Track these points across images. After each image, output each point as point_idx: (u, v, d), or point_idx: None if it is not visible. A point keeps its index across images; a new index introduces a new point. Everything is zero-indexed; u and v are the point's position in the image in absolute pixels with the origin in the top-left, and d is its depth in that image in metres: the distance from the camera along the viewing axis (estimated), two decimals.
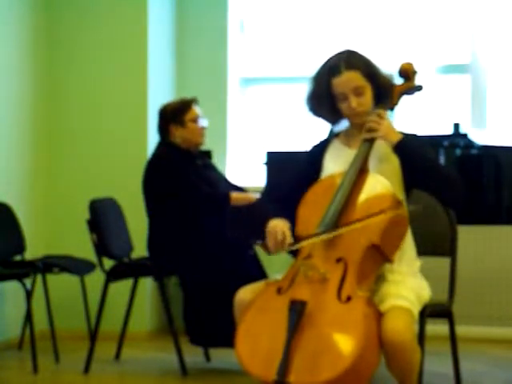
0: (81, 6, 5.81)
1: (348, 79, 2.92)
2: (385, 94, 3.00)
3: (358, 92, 2.94)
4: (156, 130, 4.76)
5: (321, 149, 3.10)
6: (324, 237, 2.76)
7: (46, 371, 4.62)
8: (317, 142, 3.15)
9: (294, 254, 2.90)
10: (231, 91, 6.03)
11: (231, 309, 2.92)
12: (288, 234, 2.86)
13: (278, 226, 2.87)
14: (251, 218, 3.69)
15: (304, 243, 2.81)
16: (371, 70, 2.97)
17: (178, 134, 4.64)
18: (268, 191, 3.20)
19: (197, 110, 4.68)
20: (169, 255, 4.56)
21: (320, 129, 3.16)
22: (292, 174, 3.15)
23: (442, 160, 4.44)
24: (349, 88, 2.93)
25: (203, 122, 4.68)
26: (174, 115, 4.64)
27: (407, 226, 2.88)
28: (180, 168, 4.54)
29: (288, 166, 3.56)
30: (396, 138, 2.89)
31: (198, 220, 4.51)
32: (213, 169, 4.82)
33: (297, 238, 2.85)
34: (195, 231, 4.51)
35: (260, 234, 3.65)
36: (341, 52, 3.00)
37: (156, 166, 4.61)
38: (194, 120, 4.64)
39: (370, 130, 2.91)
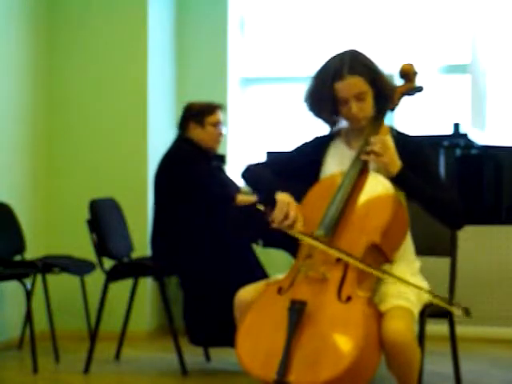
0: (81, 6, 5.81)
1: (351, 84, 2.89)
2: (385, 97, 2.98)
3: (359, 98, 2.90)
4: (177, 124, 4.77)
5: (324, 143, 3.08)
6: (323, 247, 2.75)
7: (45, 371, 4.62)
8: (321, 134, 3.13)
9: (294, 254, 2.90)
10: (231, 91, 6.03)
11: (231, 309, 2.91)
12: (301, 219, 2.84)
13: (292, 205, 2.85)
14: (252, 217, 3.69)
15: (307, 239, 2.79)
16: (374, 74, 2.93)
17: (195, 134, 4.67)
18: (265, 163, 3.16)
19: (220, 116, 4.71)
20: (171, 253, 4.56)
21: (320, 129, 3.15)
22: (292, 156, 3.12)
23: (441, 160, 4.45)
24: (351, 93, 2.89)
25: (223, 130, 4.71)
26: (197, 114, 4.68)
27: (407, 226, 2.88)
28: (196, 164, 4.56)
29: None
30: (395, 170, 2.84)
31: (203, 219, 4.51)
32: (224, 173, 4.84)
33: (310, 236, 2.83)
34: (197, 230, 4.51)
35: (260, 231, 3.64)
36: (344, 53, 2.95)
37: (173, 159, 4.62)
38: (215, 124, 4.67)
39: (373, 153, 2.87)
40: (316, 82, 2.98)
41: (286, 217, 2.83)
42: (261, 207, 2.86)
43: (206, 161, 4.65)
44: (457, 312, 2.65)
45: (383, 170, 2.87)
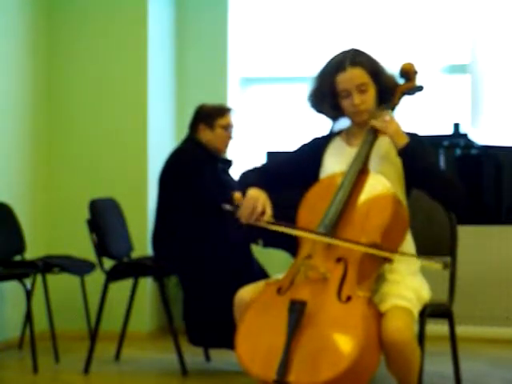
0: (81, 6, 5.81)
1: (352, 76, 2.92)
2: (388, 93, 2.99)
3: (361, 89, 2.93)
4: (188, 125, 4.77)
5: (323, 143, 3.09)
6: (319, 238, 2.75)
7: (46, 371, 4.62)
8: (319, 135, 3.14)
9: (294, 254, 2.90)
10: (231, 91, 6.03)
11: (231, 309, 2.91)
12: (269, 210, 2.86)
13: (260, 199, 2.87)
14: None
15: (281, 228, 2.80)
16: (376, 68, 2.96)
17: (205, 135, 4.67)
18: (263, 166, 3.18)
19: (230, 119, 4.70)
20: (171, 253, 4.56)
21: (320, 129, 3.16)
22: (291, 158, 3.13)
23: (441, 160, 4.45)
24: (353, 85, 2.92)
25: (232, 133, 4.71)
26: (207, 116, 4.67)
27: (407, 226, 2.88)
28: (200, 166, 4.56)
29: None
30: (403, 141, 2.88)
31: (204, 219, 4.51)
32: (229, 175, 4.83)
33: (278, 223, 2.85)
34: (198, 231, 4.51)
35: (260, 231, 3.64)
36: (346, 50, 2.99)
37: (178, 159, 4.62)
38: (225, 127, 4.67)
39: (380, 123, 2.89)
40: (319, 78, 3.01)
41: (252, 211, 2.84)
42: (227, 207, 2.88)
43: (212, 163, 4.64)
44: (438, 266, 2.67)
45: (390, 143, 2.89)
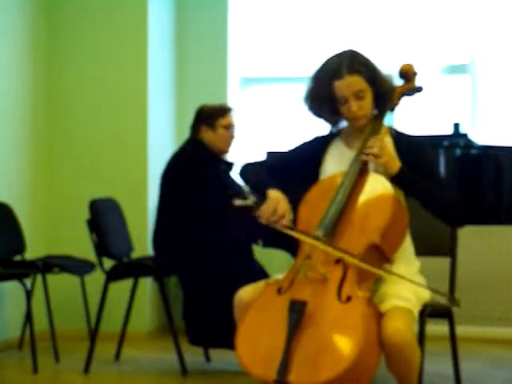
0: (81, 6, 5.81)
1: (349, 83, 2.90)
2: (385, 96, 2.98)
3: (358, 96, 2.91)
4: (189, 126, 4.77)
5: (324, 143, 3.09)
6: (320, 245, 2.75)
7: (46, 371, 4.62)
8: (321, 134, 3.14)
9: (294, 254, 2.90)
10: (231, 91, 6.03)
11: (231, 309, 2.92)
12: (289, 215, 2.88)
13: (281, 202, 2.89)
14: (251, 218, 3.70)
15: (298, 235, 2.80)
16: (373, 72, 2.94)
17: (206, 136, 4.66)
18: (264, 162, 3.18)
19: (232, 118, 4.70)
20: (171, 253, 4.56)
21: (320, 129, 3.16)
22: (291, 156, 3.13)
23: (441, 160, 4.45)
24: (350, 92, 2.90)
25: (234, 133, 4.70)
26: (208, 117, 4.67)
27: (407, 227, 2.88)
28: (202, 166, 4.55)
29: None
30: (395, 170, 2.86)
31: (204, 220, 4.51)
32: (230, 177, 4.83)
33: (296, 230, 2.85)
34: (198, 231, 4.51)
35: (260, 231, 3.65)
36: (342, 52, 2.96)
37: (180, 160, 4.62)
38: (226, 127, 4.66)
39: (371, 154, 2.88)
40: (315, 82, 2.99)
41: (274, 213, 2.86)
42: (250, 202, 2.91)
43: (213, 164, 4.63)
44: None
45: (382, 170, 2.88)
